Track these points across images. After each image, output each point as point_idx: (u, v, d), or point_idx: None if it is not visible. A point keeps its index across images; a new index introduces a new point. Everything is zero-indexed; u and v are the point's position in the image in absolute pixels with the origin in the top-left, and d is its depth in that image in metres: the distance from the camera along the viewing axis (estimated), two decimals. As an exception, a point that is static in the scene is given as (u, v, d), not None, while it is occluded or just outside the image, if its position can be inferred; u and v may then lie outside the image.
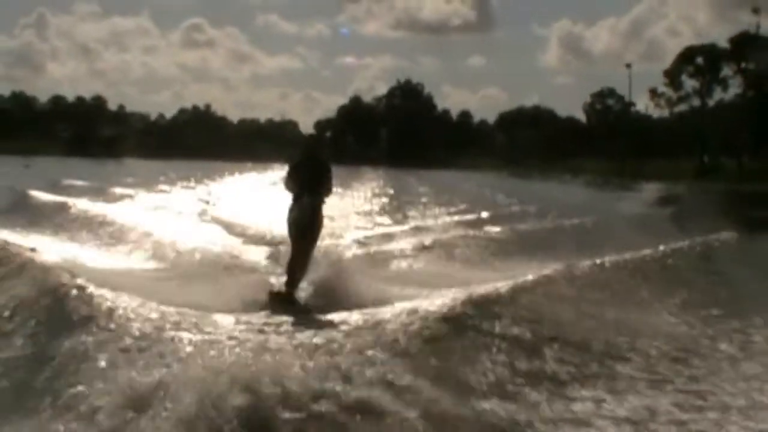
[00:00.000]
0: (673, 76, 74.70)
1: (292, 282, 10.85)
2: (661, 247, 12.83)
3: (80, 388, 6.28)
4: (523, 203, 28.85)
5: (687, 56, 74.32)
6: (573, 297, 9.83)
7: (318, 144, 12.53)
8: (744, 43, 66.42)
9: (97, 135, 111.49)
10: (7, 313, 8.58)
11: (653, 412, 6.78)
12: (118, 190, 31.34)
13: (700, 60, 73.53)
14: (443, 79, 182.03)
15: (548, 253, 14.28)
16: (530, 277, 10.19)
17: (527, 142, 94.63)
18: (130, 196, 29.72)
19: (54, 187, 29.12)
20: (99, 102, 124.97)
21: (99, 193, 29.48)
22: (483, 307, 8.61)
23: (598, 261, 11.50)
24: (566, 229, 19.04)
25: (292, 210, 11.15)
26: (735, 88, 69.07)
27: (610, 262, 11.63)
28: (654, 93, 76.12)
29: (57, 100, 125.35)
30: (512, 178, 62.27)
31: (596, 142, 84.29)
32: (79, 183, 34.34)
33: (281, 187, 11.49)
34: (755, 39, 62.62)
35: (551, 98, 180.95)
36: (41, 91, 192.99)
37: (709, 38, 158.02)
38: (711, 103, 72.72)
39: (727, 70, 71.63)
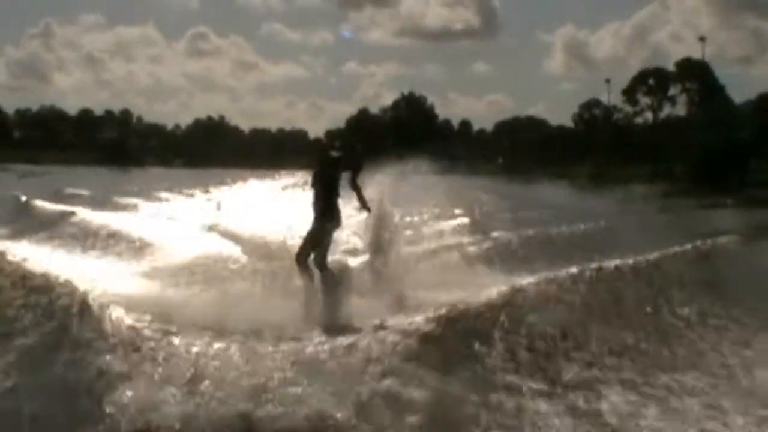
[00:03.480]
0: (629, 94, 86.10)
1: (320, 263, 10.93)
2: (662, 252, 12.43)
3: (79, 399, 6.52)
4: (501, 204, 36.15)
5: (641, 78, 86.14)
6: (575, 302, 9.71)
7: (326, 148, 12.62)
8: (688, 67, 76.93)
9: (125, 146, 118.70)
10: (12, 326, 8.52)
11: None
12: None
13: (651, 81, 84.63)
14: (448, 85, 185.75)
15: (536, 261, 13.85)
16: (530, 282, 10.16)
17: (520, 150, 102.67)
18: (191, 196, 38.17)
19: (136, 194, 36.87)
20: (125, 116, 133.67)
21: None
22: (489, 315, 8.76)
23: (594, 267, 11.09)
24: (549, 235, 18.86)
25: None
26: (681, 105, 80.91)
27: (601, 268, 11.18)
28: (614, 108, 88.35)
29: (85, 113, 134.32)
30: (502, 183, 69.29)
31: (581, 149, 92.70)
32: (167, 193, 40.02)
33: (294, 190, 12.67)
34: (697, 64, 72.35)
35: (556, 104, 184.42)
36: (49, 101, 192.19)
37: (712, 43, 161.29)
38: (662, 116, 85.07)
39: (674, 90, 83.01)
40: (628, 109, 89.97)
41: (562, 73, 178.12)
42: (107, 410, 6.25)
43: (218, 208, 28.75)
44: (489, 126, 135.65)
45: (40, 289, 9.16)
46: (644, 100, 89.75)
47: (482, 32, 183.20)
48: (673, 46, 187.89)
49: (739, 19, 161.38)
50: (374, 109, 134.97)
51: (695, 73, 74.05)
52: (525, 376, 7.62)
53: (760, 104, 74.81)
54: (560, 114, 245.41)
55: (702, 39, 71.26)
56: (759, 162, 63.89)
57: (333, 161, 11.43)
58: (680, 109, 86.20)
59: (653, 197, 36.74)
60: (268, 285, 11.45)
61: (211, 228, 20.75)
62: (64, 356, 7.42)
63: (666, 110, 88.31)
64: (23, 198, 27.06)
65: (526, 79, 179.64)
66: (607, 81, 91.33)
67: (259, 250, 15.50)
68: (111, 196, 32.91)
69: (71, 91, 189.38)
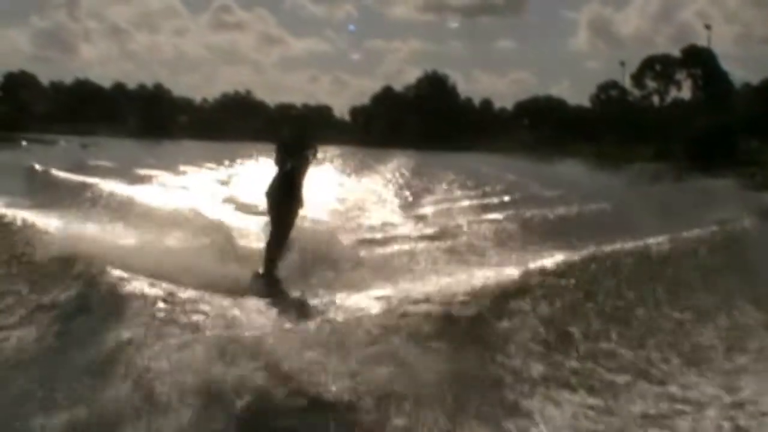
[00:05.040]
0: (637, 79, 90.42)
1: (271, 261, 10.80)
2: (684, 234, 12.11)
3: (96, 365, 6.47)
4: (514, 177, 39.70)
5: (648, 63, 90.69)
6: (591, 289, 9.22)
7: (304, 124, 12.71)
8: (693, 53, 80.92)
9: (158, 119, 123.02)
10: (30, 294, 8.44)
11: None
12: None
13: (658, 67, 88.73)
14: (472, 62, 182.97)
15: (558, 239, 13.51)
16: (541, 265, 9.75)
17: (539, 129, 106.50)
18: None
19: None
20: (158, 89, 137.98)
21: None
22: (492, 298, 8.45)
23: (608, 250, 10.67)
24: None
25: (271, 186, 11.24)
26: (687, 89, 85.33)
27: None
28: (624, 91, 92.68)
29: (118, 87, 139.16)
30: (519, 161, 72.43)
31: (597, 129, 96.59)
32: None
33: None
34: (702, 50, 76.20)
35: (580, 83, 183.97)
36: (74, 71, 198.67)
37: (739, 23, 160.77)
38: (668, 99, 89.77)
39: (680, 75, 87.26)
40: (636, 93, 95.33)
41: (587, 51, 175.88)
42: (126, 376, 6.25)
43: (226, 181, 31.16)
44: (513, 104, 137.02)
45: (57, 259, 9.15)
46: (651, 85, 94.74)
47: (506, 8, 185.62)
48: (700, 25, 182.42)
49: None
50: (398, 86, 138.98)
51: (700, 60, 78.33)
52: (535, 362, 7.43)
53: (763, 86, 77.93)
54: (584, 93, 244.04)
55: (708, 27, 75.87)
56: (762, 144, 67.27)
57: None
58: (685, 93, 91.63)
59: (647, 177, 40.14)
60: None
61: (228, 200, 21.95)
62: (83, 323, 7.49)
63: (672, 94, 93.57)
64: (39, 168, 26.80)
65: (550, 56, 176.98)
66: (622, 64, 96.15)
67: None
68: (135, 168, 32.79)
69: (96, 62, 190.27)
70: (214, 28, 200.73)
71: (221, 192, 25.04)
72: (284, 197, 10.99)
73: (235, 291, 9.54)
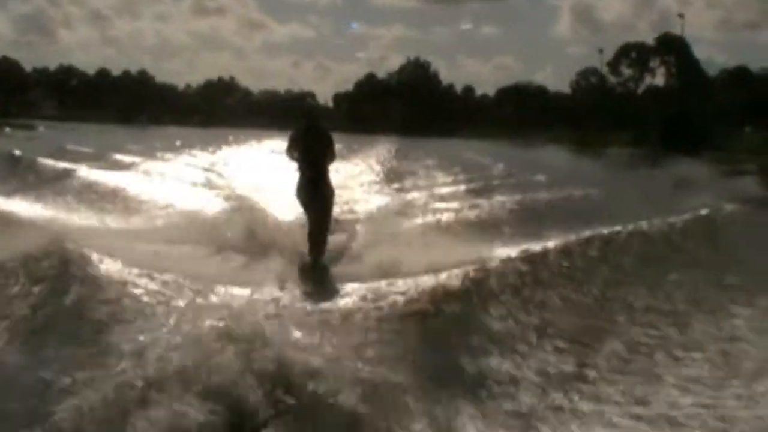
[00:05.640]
0: (614, 66, 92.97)
1: (317, 251, 10.82)
2: (668, 219, 12.33)
3: (77, 353, 6.36)
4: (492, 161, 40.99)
5: (624, 51, 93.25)
6: (570, 275, 9.52)
7: (317, 113, 12.39)
8: (667, 42, 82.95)
9: (141, 105, 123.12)
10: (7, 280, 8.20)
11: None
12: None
13: (633, 54, 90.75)
14: (456, 48, 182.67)
15: (538, 226, 13.72)
16: (527, 250, 9.99)
17: (520, 115, 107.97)
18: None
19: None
20: (142, 76, 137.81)
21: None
22: (495, 279, 8.76)
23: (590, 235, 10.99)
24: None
25: (300, 182, 11.20)
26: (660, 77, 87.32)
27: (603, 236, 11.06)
28: (602, 77, 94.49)
29: (102, 73, 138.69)
30: (500, 146, 73.36)
31: (577, 115, 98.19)
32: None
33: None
34: (676, 38, 78.34)
35: (564, 68, 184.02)
36: (55, 57, 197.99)
37: (721, 8, 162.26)
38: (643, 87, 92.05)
39: (653, 63, 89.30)
40: (612, 80, 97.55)
41: (570, 37, 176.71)
42: (106, 363, 6.20)
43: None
44: (494, 90, 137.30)
45: (33, 246, 8.96)
46: (627, 72, 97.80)
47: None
48: (682, 10, 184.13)
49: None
50: (381, 73, 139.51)
51: (673, 47, 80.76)
52: (512, 353, 7.58)
53: (736, 73, 79.92)
54: (567, 79, 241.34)
55: (681, 16, 78.01)
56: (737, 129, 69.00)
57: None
58: (660, 80, 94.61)
59: (624, 162, 41.48)
60: (255, 242, 11.71)
61: (207, 186, 22.29)
62: (61, 310, 7.38)
63: (647, 81, 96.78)
64: (18, 154, 26.84)
65: (534, 42, 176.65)
66: (600, 51, 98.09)
67: (249, 208, 15.79)
68: (114, 154, 32.86)
69: (77, 47, 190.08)
70: (196, 14, 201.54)
71: (218, 180, 25.87)
72: (314, 192, 11.08)
73: (284, 280, 9.73)
